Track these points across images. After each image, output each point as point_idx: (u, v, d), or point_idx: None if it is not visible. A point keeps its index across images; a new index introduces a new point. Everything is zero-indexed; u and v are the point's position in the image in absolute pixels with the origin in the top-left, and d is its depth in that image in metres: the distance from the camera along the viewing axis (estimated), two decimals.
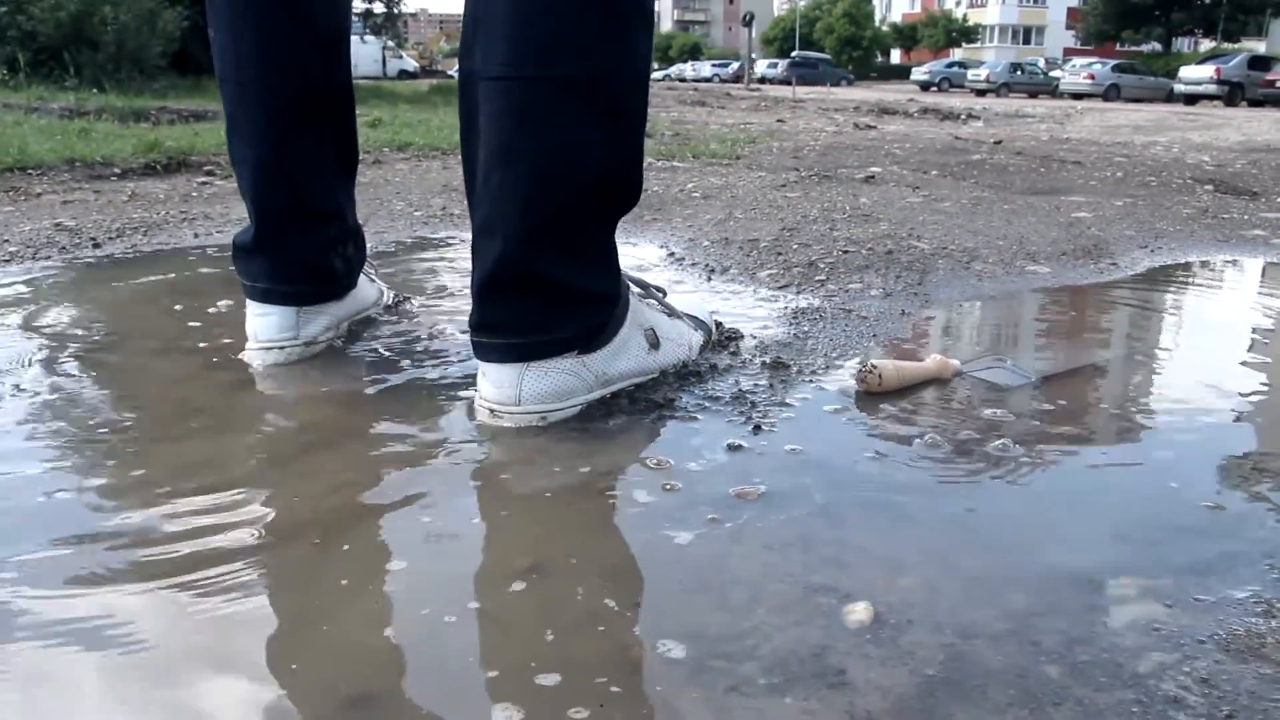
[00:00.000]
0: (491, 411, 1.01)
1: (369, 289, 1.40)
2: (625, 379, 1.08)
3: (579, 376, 1.02)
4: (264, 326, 1.20)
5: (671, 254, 1.98)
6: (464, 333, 1.33)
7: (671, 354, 1.15)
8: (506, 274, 0.97)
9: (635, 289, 1.15)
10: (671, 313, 1.20)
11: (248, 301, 1.21)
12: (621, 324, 1.07)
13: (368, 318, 1.39)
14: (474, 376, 1.12)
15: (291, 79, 1.13)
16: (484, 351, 1.01)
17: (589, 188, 0.98)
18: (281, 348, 1.19)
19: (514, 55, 0.91)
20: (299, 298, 1.20)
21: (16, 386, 1.10)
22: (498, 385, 1.00)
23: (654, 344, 1.12)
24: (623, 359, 1.07)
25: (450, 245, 2.11)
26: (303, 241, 1.19)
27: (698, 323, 1.26)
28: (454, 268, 1.84)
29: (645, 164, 3.85)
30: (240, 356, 1.21)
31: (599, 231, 1.03)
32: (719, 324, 1.35)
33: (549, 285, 0.98)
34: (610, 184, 1.00)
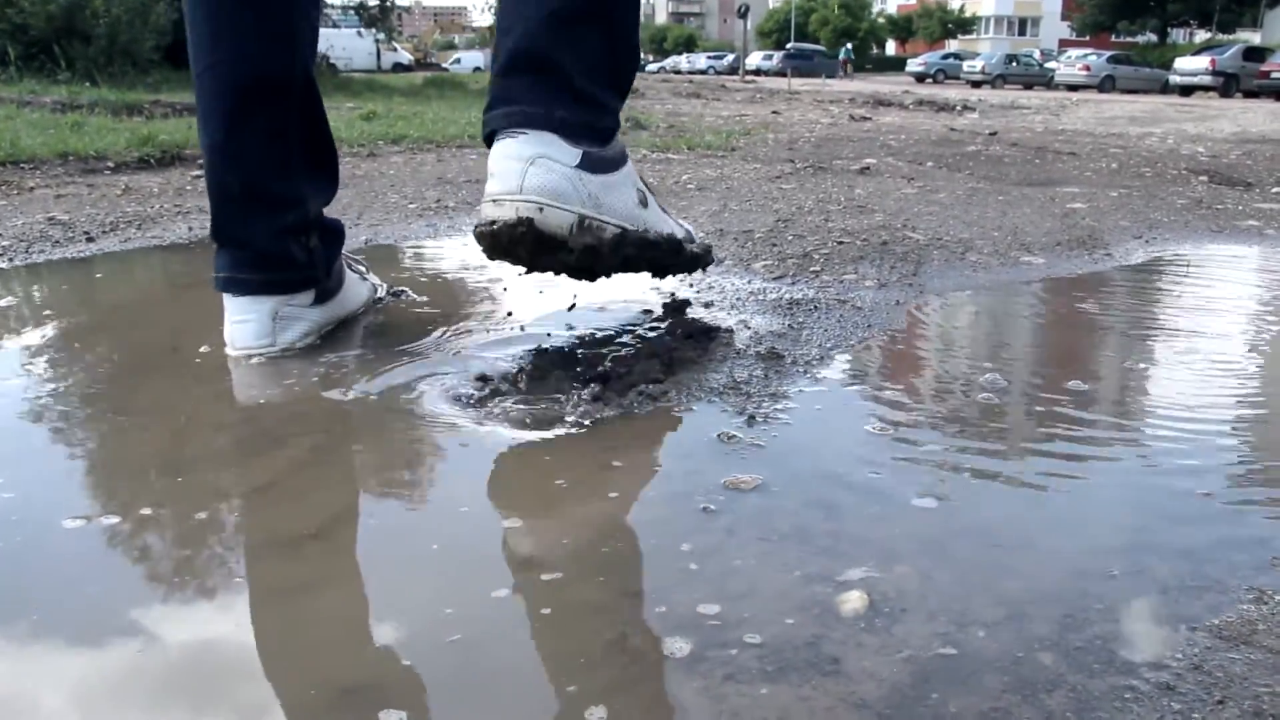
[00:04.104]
0: (494, 201, 1.08)
1: (359, 289, 1.38)
2: (614, 216, 1.14)
3: (575, 186, 1.10)
4: (240, 334, 1.18)
5: None
6: (461, 330, 1.33)
7: (657, 218, 1.23)
8: (524, 51, 1.10)
9: None
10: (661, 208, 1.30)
11: (225, 304, 1.20)
12: (621, 165, 1.17)
13: (363, 312, 1.38)
14: (471, 369, 1.12)
15: (243, 67, 1.14)
16: (492, 123, 1.11)
17: (601, 11, 1.12)
18: (260, 354, 1.18)
19: None
20: (257, 286, 1.18)
21: (5, 383, 1.10)
22: (502, 179, 1.08)
23: (643, 202, 1.20)
24: (616, 195, 1.15)
25: (445, 237, 2.10)
26: (257, 227, 1.18)
27: (681, 227, 1.33)
28: (449, 261, 1.84)
29: (640, 157, 3.80)
30: (228, 352, 1.20)
31: (605, 58, 1.15)
32: (708, 247, 1.38)
33: (558, 71, 1.09)
34: (616, 18, 1.14)
